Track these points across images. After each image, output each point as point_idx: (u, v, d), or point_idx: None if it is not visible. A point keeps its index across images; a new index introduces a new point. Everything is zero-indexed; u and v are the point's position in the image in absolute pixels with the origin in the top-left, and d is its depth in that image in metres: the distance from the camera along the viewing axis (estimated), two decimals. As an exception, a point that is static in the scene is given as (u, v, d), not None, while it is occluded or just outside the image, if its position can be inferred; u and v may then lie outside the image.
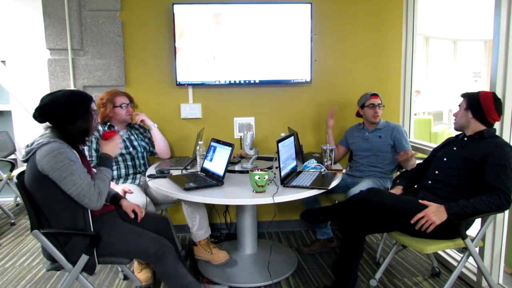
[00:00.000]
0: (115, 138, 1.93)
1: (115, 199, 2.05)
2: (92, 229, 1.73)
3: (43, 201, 1.69)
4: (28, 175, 1.68)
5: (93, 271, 1.76)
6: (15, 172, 3.52)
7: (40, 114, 1.70)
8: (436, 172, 2.11)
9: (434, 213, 1.86)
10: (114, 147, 1.91)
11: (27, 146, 1.69)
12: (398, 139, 2.65)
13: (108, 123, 2.60)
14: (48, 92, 1.80)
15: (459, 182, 1.99)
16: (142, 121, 2.73)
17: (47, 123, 1.74)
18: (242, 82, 3.03)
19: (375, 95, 2.73)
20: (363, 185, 2.51)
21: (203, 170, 2.36)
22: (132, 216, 2.00)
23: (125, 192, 2.23)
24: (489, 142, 1.94)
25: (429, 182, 2.13)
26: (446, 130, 6.22)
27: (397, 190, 2.25)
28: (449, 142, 2.20)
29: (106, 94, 2.58)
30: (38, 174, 1.62)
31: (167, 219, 2.17)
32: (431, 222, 1.85)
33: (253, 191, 2.01)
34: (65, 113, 1.69)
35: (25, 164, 1.71)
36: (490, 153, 1.89)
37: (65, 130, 1.71)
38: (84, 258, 1.70)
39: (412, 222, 1.89)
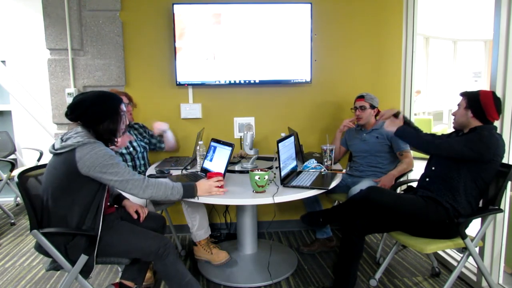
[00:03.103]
0: (213, 180, 1.93)
1: (118, 199, 2.06)
2: (100, 230, 1.72)
3: (60, 198, 1.68)
4: (56, 169, 1.68)
5: (89, 274, 1.76)
6: (15, 172, 3.53)
7: (72, 112, 1.73)
8: (433, 168, 2.12)
9: (387, 124, 2.21)
10: (207, 187, 1.91)
11: (61, 140, 1.70)
12: (394, 139, 2.64)
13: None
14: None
15: (455, 176, 1.98)
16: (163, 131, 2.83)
17: (78, 122, 1.77)
18: (242, 82, 3.03)
19: (359, 98, 2.74)
20: (364, 184, 2.51)
21: (203, 170, 2.36)
22: (135, 216, 2.01)
23: None
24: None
25: (427, 179, 2.14)
26: (446, 130, 6.23)
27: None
28: (449, 136, 2.20)
29: None
30: (72, 171, 1.63)
31: (162, 217, 2.17)
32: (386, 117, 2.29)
33: (253, 191, 2.01)
34: (94, 112, 1.73)
35: (45, 160, 1.73)
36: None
37: (94, 129, 1.74)
38: (83, 258, 1.69)
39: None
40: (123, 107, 1.83)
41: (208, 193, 1.92)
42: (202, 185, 1.91)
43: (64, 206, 1.69)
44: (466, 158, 1.91)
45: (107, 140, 1.78)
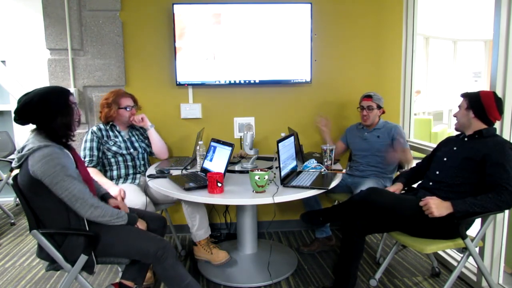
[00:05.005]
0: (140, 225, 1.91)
1: (103, 198, 2.02)
2: (87, 229, 1.72)
3: (37, 203, 1.69)
4: (22, 179, 1.67)
5: (92, 270, 1.76)
6: (15, 172, 3.53)
7: (21, 116, 1.68)
8: (437, 172, 2.11)
9: (436, 205, 1.85)
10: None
11: (18, 152, 1.67)
12: (395, 139, 2.65)
13: (111, 123, 2.60)
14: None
15: (460, 182, 1.99)
16: (142, 119, 2.69)
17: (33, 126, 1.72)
18: (242, 82, 3.03)
19: (367, 97, 2.72)
20: (365, 187, 2.50)
21: (203, 170, 2.36)
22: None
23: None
24: (489, 142, 1.94)
25: (430, 183, 2.12)
26: (446, 130, 6.22)
27: (397, 187, 2.25)
28: (449, 141, 2.20)
29: (112, 95, 2.56)
30: (32, 179, 1.62)
31: (163, 217, 2.16)
32: (428, 212, 1.86)
33: (253, 191, 2.01)
34: (44, 110, 1.66)
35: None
36: (490, 152, 1.89)
37: (48, 128, 1.69)
38: (82, 258, 1.69)
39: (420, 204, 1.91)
40: (72, 98, 1.76)
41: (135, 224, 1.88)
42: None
43: (45, 211, 1.69)
44: None
45: (63, 137, 1.72)
